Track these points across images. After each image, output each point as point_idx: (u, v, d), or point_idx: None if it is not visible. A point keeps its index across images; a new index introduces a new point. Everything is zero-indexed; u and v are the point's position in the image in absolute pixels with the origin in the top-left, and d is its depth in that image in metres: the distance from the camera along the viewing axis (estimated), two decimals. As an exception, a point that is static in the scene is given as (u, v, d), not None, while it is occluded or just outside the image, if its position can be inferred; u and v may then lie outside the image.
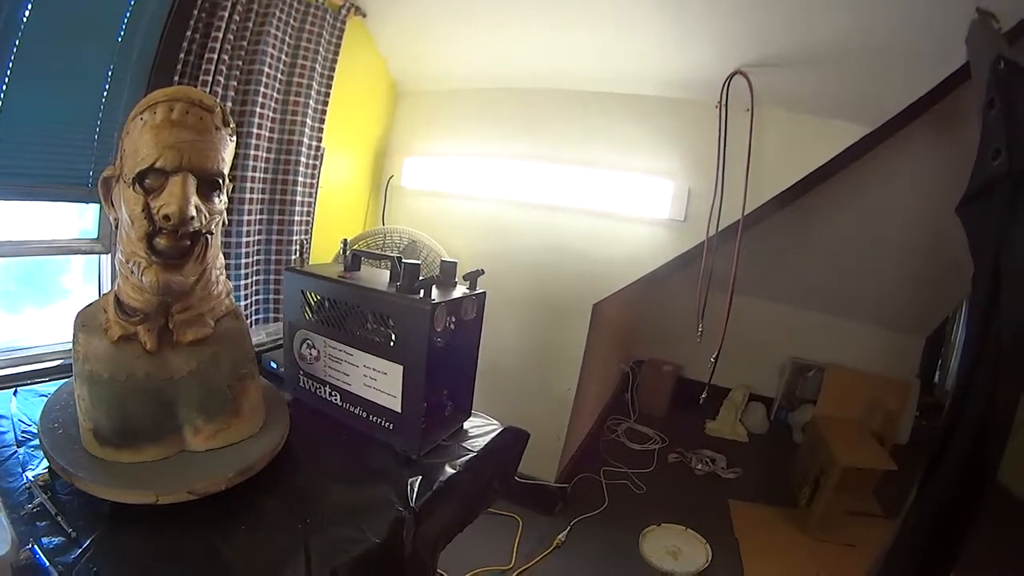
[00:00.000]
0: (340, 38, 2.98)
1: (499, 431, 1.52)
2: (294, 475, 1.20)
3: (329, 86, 2.96)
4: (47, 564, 0.88)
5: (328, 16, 2.90)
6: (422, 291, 1.24)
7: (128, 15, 2.41)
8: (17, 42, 2.19)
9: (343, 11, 2.95)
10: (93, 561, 0.91)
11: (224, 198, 1.12)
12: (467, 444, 1.44)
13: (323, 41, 2.90)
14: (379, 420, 1.33)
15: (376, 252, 1.50)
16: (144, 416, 1.08)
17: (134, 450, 1.08)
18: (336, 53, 2.98)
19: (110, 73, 2.41)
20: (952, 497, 1.02)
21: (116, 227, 1.12)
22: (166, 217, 0.98)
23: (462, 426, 1.51)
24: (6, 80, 2.19)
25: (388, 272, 1.40)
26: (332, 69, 2.97)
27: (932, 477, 1.03)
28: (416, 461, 1.30)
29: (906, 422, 4.24)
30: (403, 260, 1.30)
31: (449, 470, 1.31)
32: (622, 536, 2.89)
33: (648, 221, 2.78)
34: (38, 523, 0.98)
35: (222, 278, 1.20)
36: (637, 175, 2.78)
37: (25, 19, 2.17)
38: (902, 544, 1.10)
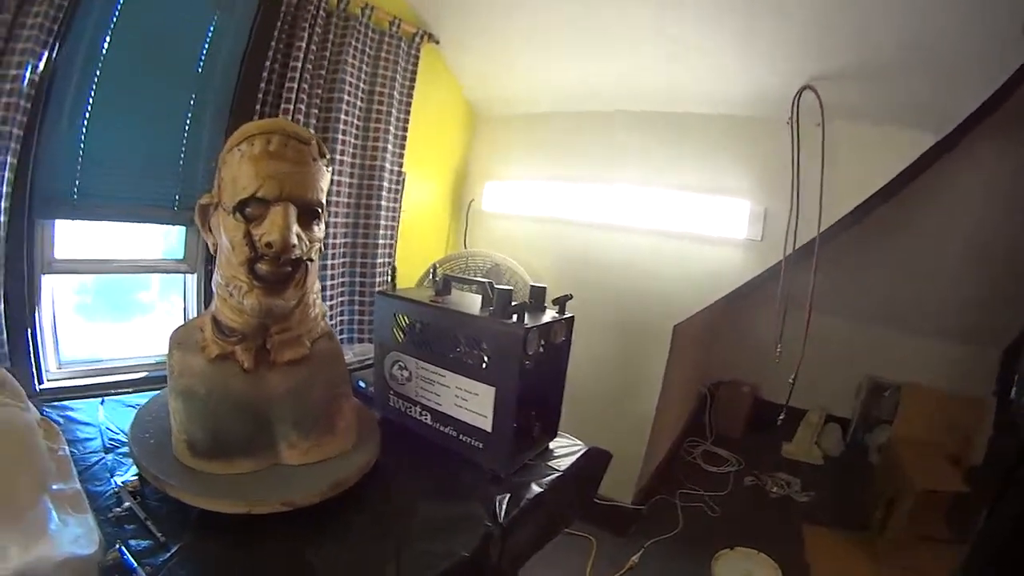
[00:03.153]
0: (416, 65, 3.05)
1: (583, 451, 1.53)
2: (385, 491, 1.22)
3: (408, 112, 3.03)
4: (135, 565, 0.92)
5: (403, 44, 2.97)
6: (515, 316, 1.26)
7: (207, 46, 2.53)
8: (98, 73, 2.32)
9: (417, 39, 3.03)
10: (182, 565, 0.95)
11: (322, 226, 1.16)
12: (552, 463, 1.45)
13: (399, 68, 2.96)
14: (469, 439, 1.35)
15: (467, 277, 1.52)
16: (239, 431, 1.13)
17: (227, 462, 1.12)
18: (413, 80, 3.04)
19: (192, 102, 2.52)
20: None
21: (214, 252, 1.16)
22: (268, 245, 1.02)
23: (548, 446, 1.52)
24: (88, 110, 2.31)
25: (478, 296, 1.43)
26: (410, 95, 3.04)
27: (1004, 499, 1.00)
28: (504, 479, 1.32)
29: (981, 441, 4.09)
30: (495, 285, 1.33)
31: (536, 488, 1.32)
32: (695, 559, 2.88)
33: (726, 242, 2.76)
34: (126, 526, 1.03)
35: (318, 301, 1.24)
36: (715, 196, 2.77)
37: (104, 52, 2.31)
38: (971, 568, 1.07)
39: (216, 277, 1.14)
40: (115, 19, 2.34)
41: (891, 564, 3.05)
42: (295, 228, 1.04)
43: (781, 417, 3.08)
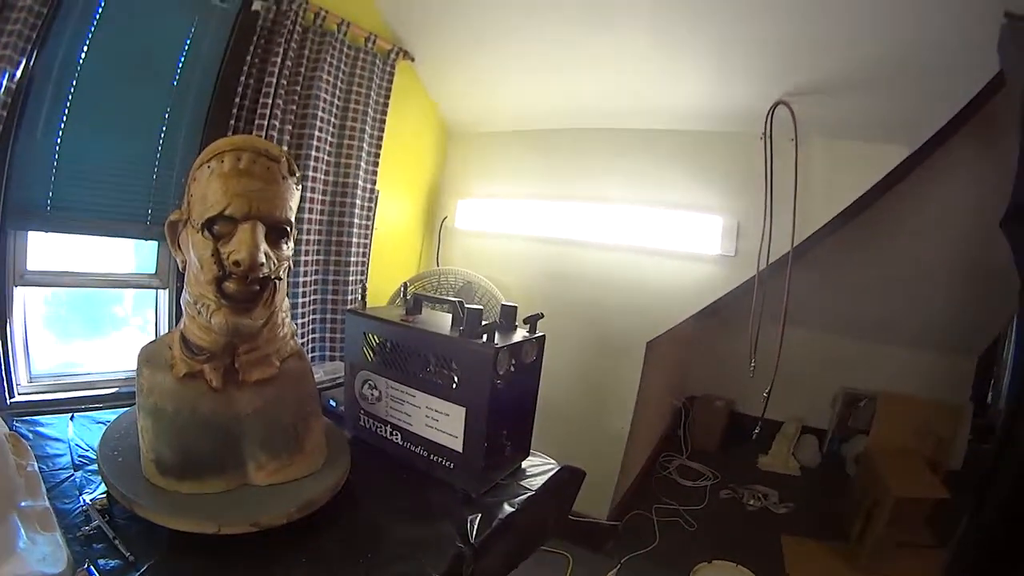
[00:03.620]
0: (390, 82, 3.05)
1: (556, 470, 1.53)
2: (355, 511, 1.22)
3: (382, 129, 3.03)
4: None
5: (378, 60, 2.97)
6: (484, 336, 1.26)
7: (183, 60, 2.52)
8: (74, 83, 2.30)
9: (392, 56, 3.03)
10: None
11: (291, 244, 1.16)
12: (525, 483, 1.44)
13: (374, 85, 2.97)
14: (440, 459, 1.35)
15: (437, 296, 1.52)
16: (207, 450, 1.12)
17: (196, 482, 1.11)
18: (387, 97, 3.05)
19: (167, 116, 2.51)
20: (1004, 523, 1.00)
21: (183, 269, 1.16)
22: (236, 263, 1.01)
23: (521, 465, 1.51)
24: (63, 120, 2.29)
25: (449, 315, 1.43)
26: (384, 113, 3.04)
27: (983, 503, 1.01)
28: (476, 499, 1.32)
29: (959, 447, 4.12)
30: (465, 305, 1.33)
31: (508, 508, 1.32)
32: (673, 574, 2.87)
33: (699, 257, 2.78)
34: (95, 545, 1.02)
35: (287, 320, 1.23)
36: (687, 212, 2.79)
37: (81, 61, 2.29)
38: (952, 572, 1.08)
39: (185, 295, 1.14)
40: (93, 29, 2.32)
41: (872, 572, 3.08)
42: (263, 246, 1.04)
43: (757, 430, 3.10)
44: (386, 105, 3.06)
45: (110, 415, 1.53)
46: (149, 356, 1.18)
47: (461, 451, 1.31)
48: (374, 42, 2.95)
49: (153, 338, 2.64)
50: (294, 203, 1.14)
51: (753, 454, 4.45)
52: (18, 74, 2.11)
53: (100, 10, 2.33)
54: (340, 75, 2.86)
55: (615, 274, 2.97)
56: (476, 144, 3.62)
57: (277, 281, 1.13)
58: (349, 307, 1.53)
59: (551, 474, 1.51)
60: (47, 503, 1.08)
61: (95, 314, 2.86)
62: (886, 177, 2.47)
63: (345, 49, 2.85)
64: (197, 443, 1.11)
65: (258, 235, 1.03)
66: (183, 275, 1.15)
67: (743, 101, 2.58)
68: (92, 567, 0.95)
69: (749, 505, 3.79)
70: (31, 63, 2.16)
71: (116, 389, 2.56)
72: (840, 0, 2.07)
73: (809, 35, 2.22)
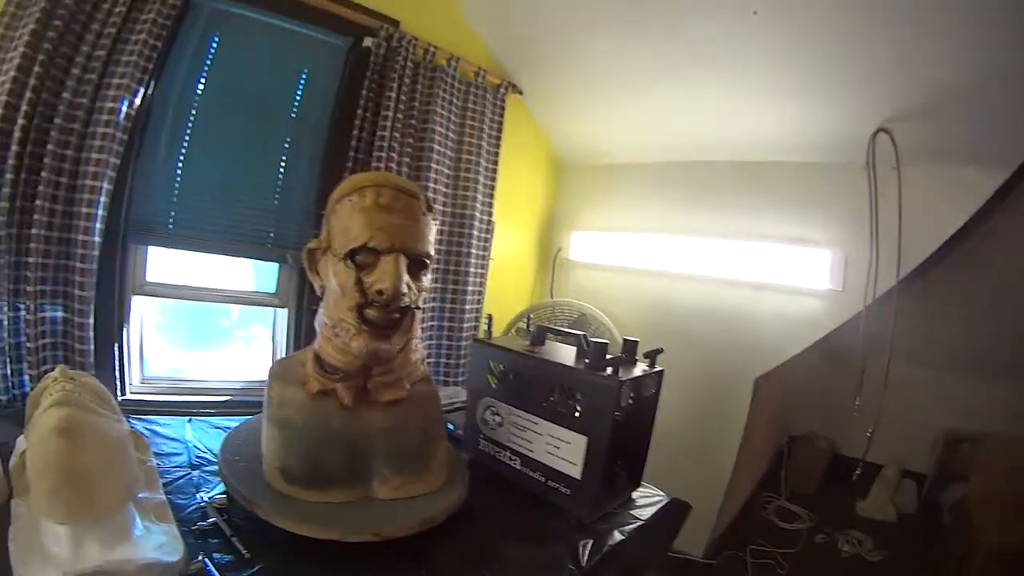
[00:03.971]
0: (502, 115, 3.12)
1: (664, 502, 1.55)
2: (472, 530, 1.26)
3: (495, 162, 3.10)
4: None
5: (488, 94, 3.05)
6: (609, 368, 1.29)
7: (300, 94, 2.67)
8: (193, 112, 2.49)
9: (501, 89, 3.10)
10: None
11: (428, 276, 1.22)
12: (634, 512, 1.47)
13: (486, 118, 3.05)
14: (557, 485, 1.38)
15: (562, 329, 1.56)
16: (335, 463, 1.18)
17: (320, 491, 1.17)
18: (499, 130, 3.11)
19: (287, 145, 2.66)
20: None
21: (321, 294, 1.24)
22: (379, 292, 1.08)
23: (631, 495, 1.54)
24: (185, 146, 2.49)
25: (569, 347, 1.47)
26: (497, 145, 3.11)
27: None
28: (588, 525, 1.34)
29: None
30: (591, 339, 1.37)
31: (618, 536, 1.34)
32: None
33: (807, 292, 2.74)
34: (210, 540, 1.10)
35: (419, 346, 1.29)
36: (796, 246, 2.76)
37: (200, 92, 2.49)
38: None
39: (321, 317, 1.21)
40: (209, 63, 2.52)
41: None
42: (405, 278, 1.10)
43: (857, 472, 3.01)
44: (499, 138, 3.13)
45: (226, 422, 1.66)
46: (281, 372, 1.26)
47: (579, 478, 1.34)
48: (483, 76, 3.03)
49: (270, 353, 2.89)
50: (432, 237, 1.21)
51: (852, 497, 4.30)
52: (137, 101, 2.29)
53: (215, 46, 2.53)
54: (453, 109, 2.95)
55: (722, 308, 2.94)
56: (589, 176, 3.64)
57: (415, 310, 1.19)
58: (476, 337, 1.58)
59: (659, 506, 1.53)
60: (163, 496, 1.16)
61: (201, 325, 3.02)
62: (989, 202, 2.39)
63: (456, 84, 2.95)
64: (325, 456, 1.17)
65: (401, 267, 1.09)
66: (320, 299, 1.22)
67: (845, 130, 2.54)
68: (208, 560, 1.02)
69: (843, 551, 3.67)
70: (149, 92, 2.36)
71: (229, 398, 2.71)
72: (940, 22, 2.03)
73: (907, 60, 2.19)
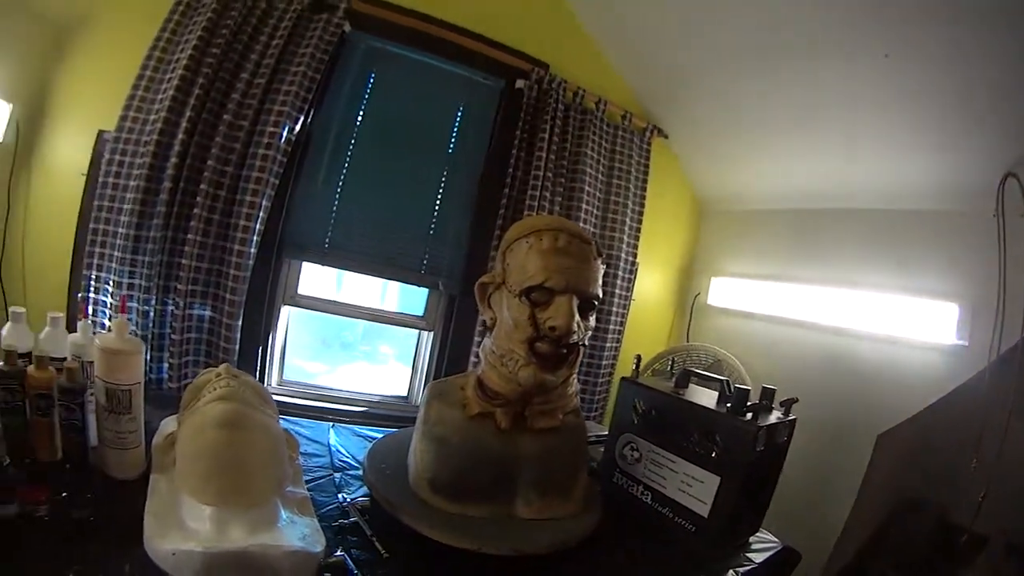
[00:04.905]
0: (648, 158, 3.20)
1: (778, 548, 1.58)
2: (601, 556, 1.34)
3: (642, 204, 3.17)
4: (356, 572, 1.09)
5: (635, 137, 3.14)
6: (749, 414, 1.36)
7: (456, 131, 2.85)
8: (353, 142, 2.71)
9: (647, 133, 3.18)
10: None
11: (594, 316, 1.32)
12: (750, 555, 1.51)
13: (633, 161, 3.13)
14: (683, 521, 1.44)
15: (706, 373, 1.61)
16: (483, 481, 1.28)
17: (464, 505, 1.27)
18: (646, 172, 3.19)
19: (443, 179, 2.83)
20: None
21: (491, 325, 1.34)
22: (552, 328, 1.18)
23: (748, 538, 1.57)
24: (344, 173, 2.70)
25: (710, 391, 1.54)
26: (643, 188, 3.18)
27: None
28: (707, 563, 1.40)
29: None
30: (733, 384, 1.45)
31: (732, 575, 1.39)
32: None
33: (932, 346, 2.63)
34: (349, 537, 1.21)
35: (575, 380, 1.38)
36: (922, 298, 2.66)
37: (359, 124, 2.72)
38: None
39: (488, 345, 1.33)
40: (367, 97, 2.74)
41: None
42: (576, 317, 1.20)
43: (963, 540, 2.91)
44: (645, 181, 3.20)
45: (368, 431, 1.83)
46: (441, 392, 1.38)
47: (706, 517, 1.39)
48: (630, 120, 3.13)
49: (413, 373, 3.10)
50: (600, 280, 1.30)
51: (957, 568, 4.10)
52: (297, 128, 2.52)
53: (373, 81, 2.74)
54: (602, 151, 3.05)
55: (848, 360, 2.85)
56: (730, 221, 3.61)
57: (581, 347, 1.28)
58: (624, 375, 1.64)
59: (773, 552, 1.56)
60: (307, 492, 1.28)
61: (326, 337, 3.18)
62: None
63: (605, 126, 3.05)
64: (476, 473, 1.27)
65: (573, 307, 1.19)
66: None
67: (973, 174, 2.45)
68: (347, 554, 1.12)
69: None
70: (308, 120, 2.59)
71: (365, 408, 2.90)
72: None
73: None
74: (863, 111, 2.55)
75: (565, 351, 1.24)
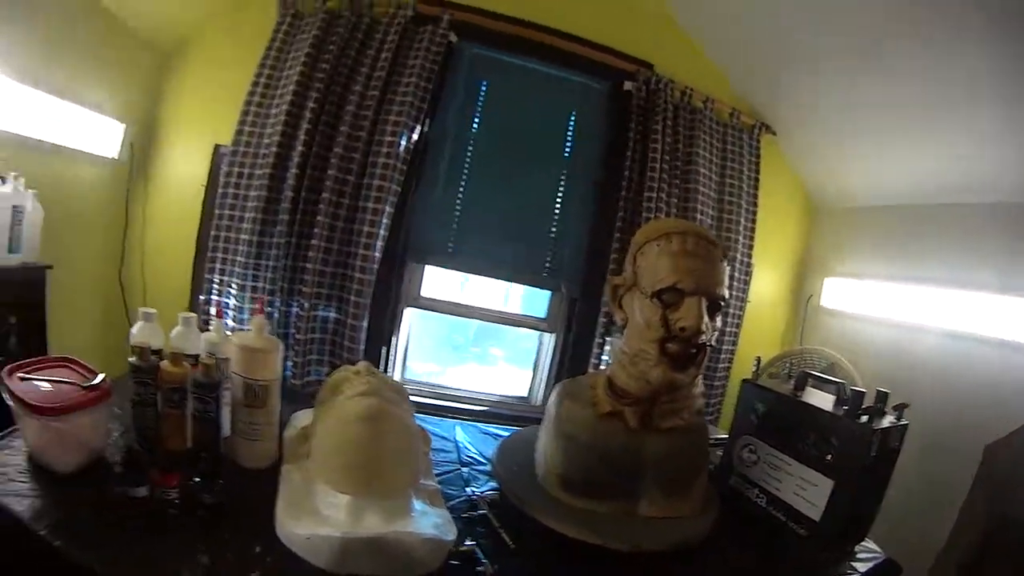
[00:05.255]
0: (758, 156, 3.20)
1: (880, 559, 1.56)
2: (715, 555, 1.36)
3: (755, 203, 3.18)
4: (485, 560, 1.15)
5: (744, 135, 3.15)
6: (865, 418, 1.37)
7: (571, 135, 2.94)
8: (470, 149, 2.82)
9: (756, 130, 3.18)
10: (527, 572, 1.19)
11: (719, 317, 1.35)
12: (853, 564, 1.50)
13: (744, 159, 3.14)
14: (795, 525, 1.45)
15: (824, 376, 1.62)
16: (610, 479, 1.33)
17: (590, 501, 1.33)
18: (757, 171, 3.19)
19: (562, 182, 2.91)
20: None
21: (622, 325, 1.40)
22: (683, 329, 1.23)
23: (854, 546, 1.56)
24: (464, 180, 2.82)
25: (827, 394, 1.53)
26: (755, 187, 3.18)
27: None
28: (814, 568, 1.43)
29: None
30: (850, 387, 1.45)
31: (837, 582, 1.40)
32: None
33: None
34: (477, 528, 1.28)
35: (700, 380, 1.42)
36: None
37: (475, 131, 2.85)
38: None
39: (619, 346, 1.38)
40: (480, 105, 2.85)
41: None
42: (705, 317, 1.24)
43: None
44: (756, 179, 3.20)
45: (494, 429, 1.90)
46: (571, 391, 1.44)
47: (818, 520, 1.40)
48: (738, 117, 3.14)
49: (534, 374, 3.22)
50: (726, 281, 1.33)
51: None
52: (415, 137, 2.65)
53: (484, 89, 2.85)
54: (713, 150, 3.06)
55: (961, 366, 2.71)
56: (846, 219, 3.48)
57: (708, 347, 1.32)
58: (744, 378, 1.68)
59: (875, 562, 1.54)
60: (437, 485, 1.36)
61: (439, 338, 3.31)
62: None
63: (714, 125, 3.07)
64: (603, 470, 1.33)
65: (703, 307, 1.24)
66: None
67: None
68: (477, 544, 1.20)
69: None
70: (424, 129, 2.72)
71: (486, 408, 3.03)
72: None
73: None
74: (994, 95, 2.38)
75: (694, 351, 1.28)
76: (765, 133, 3.23)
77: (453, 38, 2.76)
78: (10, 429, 1.23)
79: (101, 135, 2.71)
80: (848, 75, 2.74)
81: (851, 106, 2.88)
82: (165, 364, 1.27)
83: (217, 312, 1.59)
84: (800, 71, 2.91)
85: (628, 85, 2.93)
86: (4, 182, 2.06)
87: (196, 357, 1.33)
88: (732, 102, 3.15)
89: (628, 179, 2.85)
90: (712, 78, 3.17)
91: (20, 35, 2.23)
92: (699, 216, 2.91)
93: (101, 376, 1.25)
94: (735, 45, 3.09)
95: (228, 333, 1.46)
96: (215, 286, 2.73)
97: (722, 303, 1.32)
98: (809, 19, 2.64)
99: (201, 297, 2.77)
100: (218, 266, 2.71)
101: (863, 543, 1.58)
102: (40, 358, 1.30)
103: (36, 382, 1.19)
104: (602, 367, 2.80)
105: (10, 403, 1.15)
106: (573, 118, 2.95)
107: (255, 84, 2.72)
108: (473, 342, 3.77)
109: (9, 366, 1.21)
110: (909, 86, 2.58)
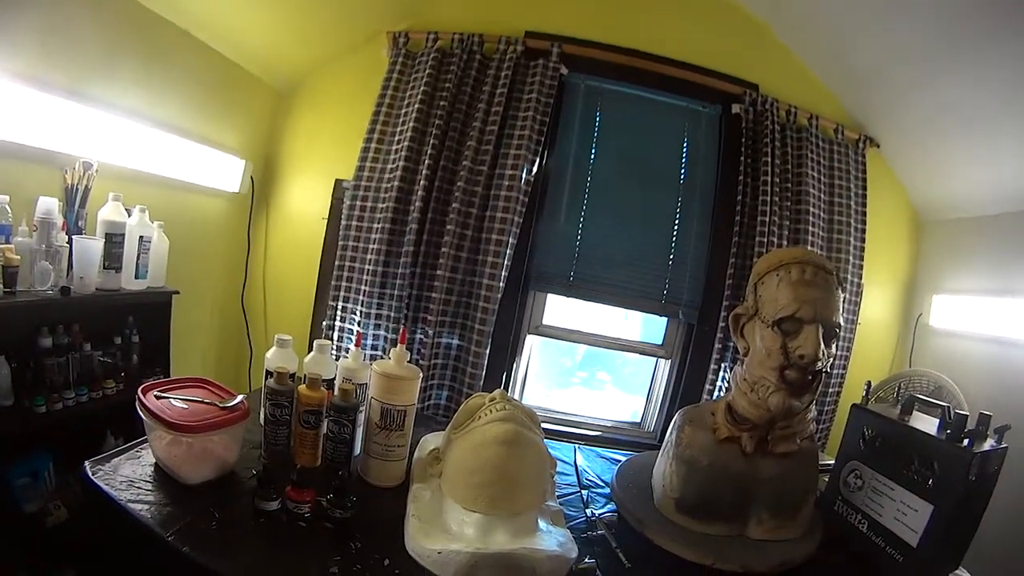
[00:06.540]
0: (864, 171, 3.16)
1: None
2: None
3: (863, 221, 3.13)
4: None
5: (849, 150, 3.12)
6: (965, 440, 1.38)
7: (685, 161, 2.98)
8: (589, 180, 2.91)
9: (860, 144, 3.13)
10: None
11: (834, 345, 1.40)
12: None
13: (851, 176, 3.11)
14: (892, 551, 1.46)
15: (930, 400, 1.62)
16: (725, 501, 1.41)
17: (704, 523, 1.41)
18: (864, 187, 3.14)
19: (678, 210, 2.97)
20: None
21: (744, 354, 1.48)
22: (802, 356, 1.30)
23: (948, 573, 1.52)
24: (584, 210, 2.90)
25: (932, 418, 1.54)
26: (863, 203, 3.14)
27: None
28: None
29: None
30: (955, 410, 1.46)
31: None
32: None
33: None
34: (595, 548, 1.36)
35: (812, 406, 1.47)
36: None
37: (592, 162, 2.92)
38: None
39: (740, 373, 1.46)
40: (596, 135, 2.95)
41: None
42: (822, 345, 1.31)
43: None
44: (864, 196, 3.15)
45: (610, 453, 2.00)
46: (692, 417, 1.53)
47: (915, 547, 1.41)
48: (842, 132, 3.11)
49: (648, 400, 3.27)
50: (841, 309, 1.40)
51: None
52: (535, 169, 2.77)
53: (599, 119, 2.94)
54: (821, 168, 3.05)
55: None
56: (954, 231, 3.30)
57: (824, 374, 1.38)
58: (855, 403, 1.71)
59: None
60: (560, 506, 1.47)
61: (547, 363, 3.42)
62: None
63: (820, 143, 3.05)
64: (719, 493, 1.41)
65: (820, 336, 1.30)
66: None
67: None
68: (597, 563, 1.29)
69: None
70: (544, 161, 2.83)
71: (599, 433, 3.12)
72: None
73: None
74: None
75: (811, 378, 1.34)
76: (870, 147, 3.17)
77: (564, 71, 2.86)
78: (134, 442, 1.40)
79: (224, 171, 2.94)
80: (946, 73, 2.64)
81: (953, 106, 2.76)
82: (303, 388, 1.42)
83: (356, 341, 1.68)
84: (899, 75, 2.84)
85: (736, 108, 2.96)
86: (131, 215, 2.23)
87: (329, 381, 1.48)
88: (837, 117, 3.11)
89: (741, 203, 2.88)
90: (816, 92, 3.15)
91: (158, 88, 2.51)
92: (810, 239, 2.89)
93: (240, 397, 1.41)
94: (833, 54, 3.05)
95: (366, 361, 1.59)
96: (339, 313, 2.90)
97: (838, 330, 1.37)
98: (909, 23, 2.58)
99: (324, 323, 2.93)
100: (342, 294, 2.88)
101: (957, 571, 1.55)
102: (176, 378, 1.49)
103: (172, 400, 1.35)
104: (716, 393, 2.84)
105: (145, 419, 1.29)
106: (686, 143, 3.00)
107: (373, 121, 2.89)
108: (580, 366, 3.85)
109: (144, 385, 1.38)
110: (1013, 88, 2.49)
